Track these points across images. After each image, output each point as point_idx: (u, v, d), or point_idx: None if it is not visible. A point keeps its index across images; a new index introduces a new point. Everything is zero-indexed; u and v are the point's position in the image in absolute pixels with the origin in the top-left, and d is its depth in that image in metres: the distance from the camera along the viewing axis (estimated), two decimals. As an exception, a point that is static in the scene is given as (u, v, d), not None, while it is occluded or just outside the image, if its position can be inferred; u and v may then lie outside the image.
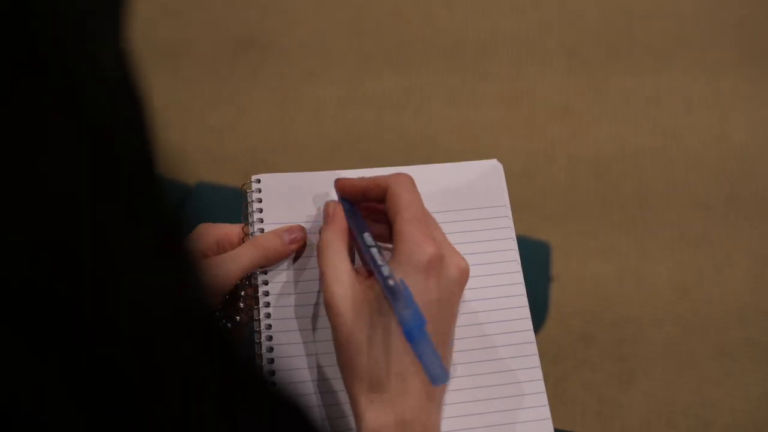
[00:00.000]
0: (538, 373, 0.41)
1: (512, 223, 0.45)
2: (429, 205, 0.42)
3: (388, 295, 0.35)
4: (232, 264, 0.41)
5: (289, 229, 0.42)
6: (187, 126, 1.26)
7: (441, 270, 0.37)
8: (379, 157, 1.23)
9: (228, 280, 0.41)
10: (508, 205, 0.45)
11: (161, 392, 0.20)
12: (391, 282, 0.36)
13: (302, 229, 0.43)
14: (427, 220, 0.39)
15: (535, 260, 0.71)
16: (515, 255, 0.44)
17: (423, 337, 0.32)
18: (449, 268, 0.37)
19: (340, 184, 0.42)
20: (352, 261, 0.40)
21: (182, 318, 0.21)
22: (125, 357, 0.19)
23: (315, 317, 0.42)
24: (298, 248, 0.43)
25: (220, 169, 1.19)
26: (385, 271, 0.36)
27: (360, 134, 1.26)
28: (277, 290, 0.42)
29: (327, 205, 0.42)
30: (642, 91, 1.32)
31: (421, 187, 0.42)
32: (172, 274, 0.21)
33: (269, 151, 1.24)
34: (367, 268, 0.39)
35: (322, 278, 0.39)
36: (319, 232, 0.42)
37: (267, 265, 0.42)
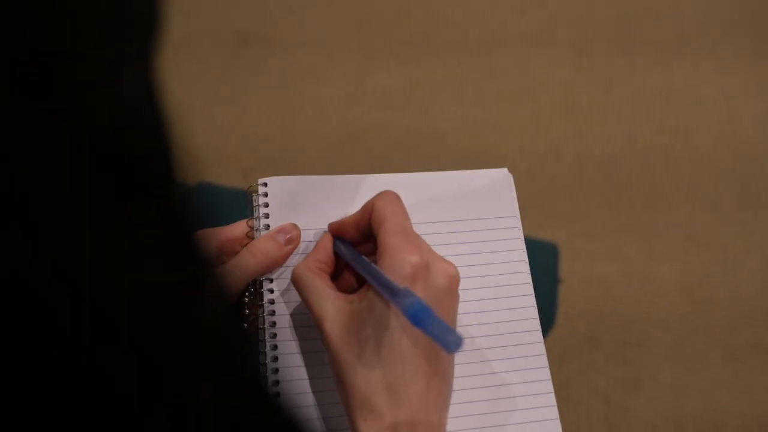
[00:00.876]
0: (546, 374, 0.42)
1: (522, 234, 0.45)
2: (437, 214, 0.43)
3: (386, 295, 0.36)
4: (238, 273, 0.41)
5: (282, 230, 0.43)
6: (188, 124, 1.21)
7: (427, 278, 0.36)
8: (383, 156, 1.22)
9: (233, 291, 0.42)
10: (518, 216, 0.45)
11: (165, 406, 0.21)
12: (386, 279, 0.36)
13: (295, 227, 0.43)
14: (411, 232, 0.38)
15: (543, 262, 0.71)
16: (525, 266, 0.44)
17: (428, 315, 0.33)
18: (436, 275, 0.37)
19: (333, 228, 0.42)
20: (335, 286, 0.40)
21: (198, 348, 0.21)
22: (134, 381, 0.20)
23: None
24: (295, 247, 0.43)
25: (221, 168, 1.18)
26: (380, 271, 0.37)
27: (363, 133, 1.25)
28: (282, 297, 0.42)
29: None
30: (650, 87, 1.32)
31: (430, 195, 0.42)
32: (193, 304, 0.21)
33: (271, 150, 1.23)
34: (350, 282, 0.40)
35: (306, 304, 0.39)
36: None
37: (267, 271, 0.42)
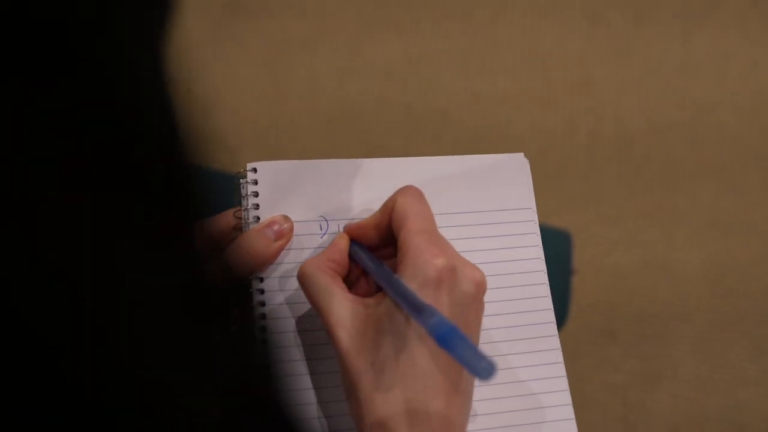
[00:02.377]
0: (561, 370, 0.43)
1: (538, 227, 0.45)
2: (446, 204, 0.43)
3: (409, 311, 0.35)
4: (224, 276, 0.41)
5: (272, 223, 0.42)
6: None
7: (453, 283, 0.36)
8: (381, 135, 1.22)
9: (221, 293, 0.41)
10: (534, 208, 0.46)
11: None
12: (409, 292, 0.36)
13: (286, 219, 0.43)
14: (436, 233, 0.38)
15: (555, 251, 0.71)
16: (541, 265, 0.45)
17: (456, 337, 0.33)
18: (462, 280, 0.37)
19: (350, 231, 0.42)
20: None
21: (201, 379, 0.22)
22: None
23: (315, 330, 0.42)
24: (287, 242, 0.43)
25: (204, 149, 1.17)
26: (401, 282, 0.36)
27: (360, 109, 1.25)
28: (274, 299, 0.42)
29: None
30: (670, 59, 1.31)
31: (438, 182, 0.42)
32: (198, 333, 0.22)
33: (259, 129, 1.23)
34: (366, 291, 0.40)
35: (315, 307, 0.39)
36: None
37: (256, 271, 0.42)
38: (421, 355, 0.35)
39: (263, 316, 0.41)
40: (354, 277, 0.41)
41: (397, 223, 0.38)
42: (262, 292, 0.42)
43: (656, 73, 1.30)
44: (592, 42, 1.32)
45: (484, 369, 0.31)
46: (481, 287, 0.37)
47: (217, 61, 1.30)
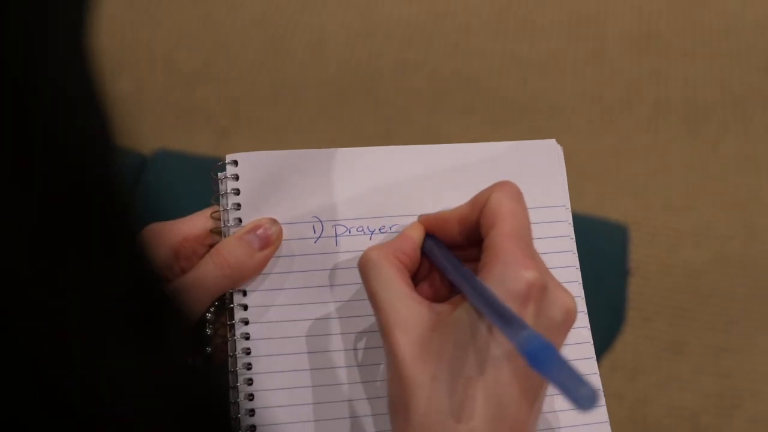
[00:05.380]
0: (593, 365, 0.44)
1: (572, 227, 0.46)
2: (463, 200, 0.43)
3: (493, 320, 0.36)
4: (199, 291, 0.41)
5: (256, 227, 0.43)
6: (145, 69, 1.25)
7: (542, 304, 0.37)
8: (400, 109, 1.22)
9: (196, 311, 0.42)
10: (568, 205, 0.46)
11: None
12: (496, 299, 0.36)
13: (274, 222, 0.43)
14: (531, 242, 0.39)
15: (608, 247, 0.72)
16: (576, 274, 0.45)
17: (552, 357, 0.33)
18: (553, 305, 0.37)
19: (426, 222, 0.43)
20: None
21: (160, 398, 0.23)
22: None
23: (313, 353, 0.42)
24: (274, 251, 0.43)
25: (187, 129, 1.19)
26: (487, 287, 0.37)
27: (374, 78, 1.26)
28: (260, 316, 0.42)
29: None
30: (751, 11, 1.31)
31: (455, 174, 0.43)
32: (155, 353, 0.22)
33: (253, 103, 1.24)
34: (438, 293, 0.41)
35: (373, 300, 0.39)
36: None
37: (237, 285, 0.42)
38: (505, 375, 0.36)
39: (247, 336, 0.42)
40: (420, 276, 0.42)
41: (487, 222, 0.39)
42: (245, 308, 0.42)
43: (733, 29, 1.30)
44: (654, -9, 1.34)
45: (586, 397, 0.31)
46: (570, 317, 0.38)
47: (202, 21, 1.31)
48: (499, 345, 0.36)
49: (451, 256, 0.41)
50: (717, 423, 1.03)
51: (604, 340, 0.71)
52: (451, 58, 1.27)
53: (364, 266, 0.40)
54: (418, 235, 0.42)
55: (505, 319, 0.35)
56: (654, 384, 1.05)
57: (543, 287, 0.37)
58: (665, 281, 1.11)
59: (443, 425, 0.36)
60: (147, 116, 1.17)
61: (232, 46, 1.29)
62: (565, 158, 0.48)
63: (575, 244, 0.46)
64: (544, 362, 0.33)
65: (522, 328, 0.34)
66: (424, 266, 0.42)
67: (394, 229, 0.44)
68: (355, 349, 0.43)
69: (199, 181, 0.63)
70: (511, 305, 0.36)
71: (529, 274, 0.36)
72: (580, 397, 0.31)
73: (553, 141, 0.47)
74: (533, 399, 0.37)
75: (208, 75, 1.26)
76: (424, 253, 0.42)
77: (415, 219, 0.44)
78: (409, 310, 0.38)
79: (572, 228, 0.46)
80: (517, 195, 0.40)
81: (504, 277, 0.37)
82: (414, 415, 0.36)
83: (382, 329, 0.38)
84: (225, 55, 1.28)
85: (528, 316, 0.36)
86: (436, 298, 0.41)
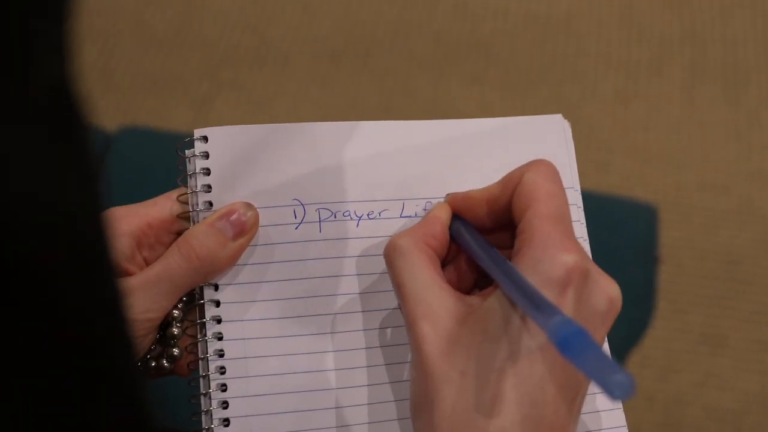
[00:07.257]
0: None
1: (582, 215, 0.47)
2: (463, 182, 0.44)
3: (524, 306, 0.36)
4: (164, 285, 0.42)
5: (229, 212, 0.43)
6: (111, 31, 1.25)
7: (583, 291, 0.37)
8: (402, 74, 1.22)
9: (161, 308, 0.42)
10: (578, 187, 0.47)
11: None
12: (528, 284, 0.36)
13: (249, 207, 0.43)
14: (570, 224, 0.39)
15: (635, 232, 0.73)
16: (585, 246, 0.45)
17: (585, 344, 0.33)
18: (595, 292, 0.37)
19: (453, 202, 0.44)
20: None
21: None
22: None
23: (295, 354, 0.43)
24: (250, 240, 0.43)
25: (159, 99, 1.19)
26: (519, 272, 0.37)
27: (372, 39, 1.26)
28: (235, 313, 0.43)
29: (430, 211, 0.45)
30: None
31: (455, 153, 0.45)
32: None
33: (236, 66, 1.24)
34: (464, 279, 0.42)
35: (399, 290, 0.40)
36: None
37: (208, 279, 0.43)
38: (540, 371, 0.36)
39: (219, 336, 0.42)
40: (446, 261, 0.43)
41: (521, 203, 0.39)
42: (217, 304, 0.43)
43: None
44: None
45: (620, 385, 0.31)
46: (614, 306, 0.38)
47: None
48: (534, 337, 0.37)
49: (480, 238, 0.42)
50: (762, 425, 1.03)
51: (630, 336, 0.73)
52: (459, 20, 1.28)
53: (390, 255, 0.41)
54: (446, 215, 0.43)
55: (537, 305, 0.35)
56: (689, 383, 1.05)
57: (585, 272, 0.37)
58: (700, 268, 1.11)
59: (471, 424, 0.36)
60: (113, 87, 1.17)
61: (211, 3, 1.30)
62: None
63: (586, 229, 0.46)
64: (576, 350, 0.33)
65: (553, 313, 0.34)
66: (450, 249, 0.43)
67: (383, 215, 0.44)
68: (343, 351, 0.43)
69: (170, 162, 0.65)
70: (549, 292, 0.36)
71: (569, 258, 0.37)
72: (613, 385, 0.31)
73: (559, 116, 0.47)
74: (572, 399, 0.37)
75: (184, 37, 1.27)
76: (450, 235, 0.43)
77: (403, 203, 0.45)
78: (439, 302, 0.39)
79: (582, 212, 0.47)
80: (553, 175, 0.40)
81: (541, 261, 0.37)
82: (439, 414, 0.37)
83: (407, 321, 0.39)
84: (203, 11, 1.29)
85: (567, 304, 0.36)
86: (461, 284, 0.42)
